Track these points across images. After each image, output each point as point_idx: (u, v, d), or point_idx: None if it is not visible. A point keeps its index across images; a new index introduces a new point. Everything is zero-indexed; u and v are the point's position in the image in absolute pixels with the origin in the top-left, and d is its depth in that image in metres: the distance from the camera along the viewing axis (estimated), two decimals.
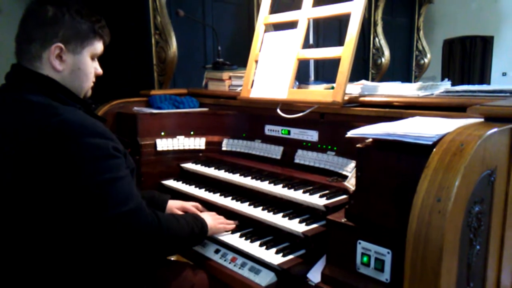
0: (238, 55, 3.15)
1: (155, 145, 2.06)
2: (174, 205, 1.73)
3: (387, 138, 1.12)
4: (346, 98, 1.73)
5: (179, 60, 3.28)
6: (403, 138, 1.08)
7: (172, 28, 3.20)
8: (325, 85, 2.00)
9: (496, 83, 6.18)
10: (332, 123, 1.79)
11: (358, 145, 1.20)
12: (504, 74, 6.08)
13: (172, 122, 2.13)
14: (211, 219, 1.56)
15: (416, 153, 1.08)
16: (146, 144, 2.04)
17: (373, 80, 5.17)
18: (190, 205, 1.75)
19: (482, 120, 1.17)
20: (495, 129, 1.06)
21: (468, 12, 5.95)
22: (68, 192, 1.12)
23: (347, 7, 1.78)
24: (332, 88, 1.79)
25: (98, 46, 1.34)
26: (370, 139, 1.21)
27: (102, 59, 1.45)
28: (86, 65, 1.31)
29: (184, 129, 2.16)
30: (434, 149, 1.00)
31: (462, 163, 0.94)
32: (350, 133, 1.19)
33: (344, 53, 1.74)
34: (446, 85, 1.71)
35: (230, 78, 2.37)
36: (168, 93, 2.38)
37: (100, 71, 1.39)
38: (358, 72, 5.05)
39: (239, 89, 2.22)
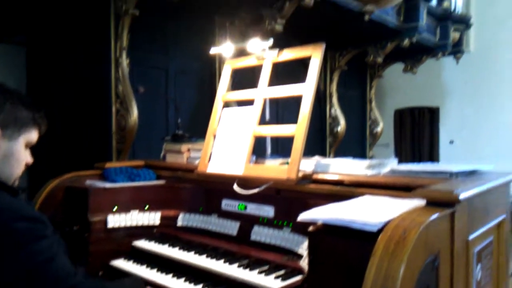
0: (199, 125, 3.19)
1: (106, 221, 1.97)
2: None
3: (336, 223, 1.14)
4: (300, 175, 1.77)
5: (139, 129, 3.28)
6: (351, 224, 1.10)
7: (134, 97, 3.24)
8: (281, 160, 2.05)
9: (445, 150, 6.60)
10: (287, 199, 1.81)
11: (309, 229, 1.22)
12: (451, 142, 6.52)
13: (126, 196, 2.07)
14: None
15: (363, 238, 1.10)
16: (96, 221, 1.95)
17: (330, 147, 5.38)
18: None
19: (424, 203, 1.23)
20: (436, 215, 1.12)
21: (415, 85, 6.49)
22: (5, 279, 1.13)
23: (299, 89, 1.89)
24: (287, 163, 1.84)
25: (34, 135, 1.38)
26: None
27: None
28: (20, 152, 1.33)
29: (138, 203, 2.10)
30: (379, 237, 1.03)
31: (405, 252, 0.97)
32: (301, 218, 1.21)
33: (298, 131, 1.82)
34: (393, 163, 1.80)
35: (188, 150, 2.39)
36: (124, 165, 2.34)
37: (30, 160, 1.40)
38: (317, 140, 5.25)
39: (197, 161, 2.22)
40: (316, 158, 1.97)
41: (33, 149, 1.42)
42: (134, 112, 3.21)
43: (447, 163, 6.46)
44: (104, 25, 3.30)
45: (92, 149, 3.47)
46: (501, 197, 1.65)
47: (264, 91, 2.02)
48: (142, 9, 3.19)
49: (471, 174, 1.60)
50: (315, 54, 1.90)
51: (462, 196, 1.19)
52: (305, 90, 1.86)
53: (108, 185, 2.08)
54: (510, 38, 5.93)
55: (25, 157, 1.36)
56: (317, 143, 5.27)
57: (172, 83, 3.83)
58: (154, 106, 3.59)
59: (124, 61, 3.29)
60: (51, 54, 3.96)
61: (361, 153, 5.93)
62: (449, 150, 6.57)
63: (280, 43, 4.32)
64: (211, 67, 3.96)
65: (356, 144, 5.84)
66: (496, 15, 5.99)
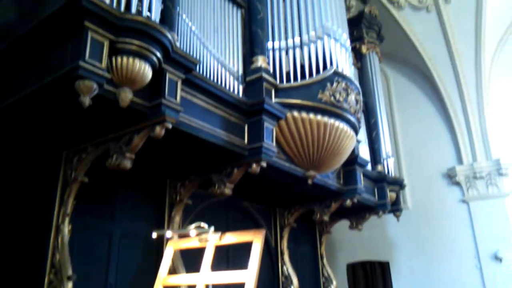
0: None
1: None
2: None
3: None
4: None
5: None
6: None
7: (70, 267, 3.00)
8: None
9: None
10: None
11: None
12: None
13: None
14: None
15: None
16: None
17: None
18: None
19: None
20: None
21: (363, 239, 6.65)
22: None
23: (241, 276, 1.86)
24: None
25: None
26: None
27: None
28: None
29: None
30: None
31: None
32: None
33: None
34: None
35: None
36: None
37: None
38: None
39: None
40: None
41: None
42: (69, 285, 2.94)
43: None
44: (49, 190, 3.24)
45: None
46: None
47: (207, 276, 1.96)
48: (92, 174, 3.22)
49: None
50: (256, 239, 1.93)
51: None
52: (247, 277, 1.83)
53: None
54: (439, 196, 6.51)
55: None
56: None
57: (115, 248, 3.63)
58: (93, 276, 3.32)
59: (66, 228, 3.16)
60: None
61: None
62: None
63: (229, 202, 4.36)
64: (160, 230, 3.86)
65: None
66: (424, 176, 6.68)
